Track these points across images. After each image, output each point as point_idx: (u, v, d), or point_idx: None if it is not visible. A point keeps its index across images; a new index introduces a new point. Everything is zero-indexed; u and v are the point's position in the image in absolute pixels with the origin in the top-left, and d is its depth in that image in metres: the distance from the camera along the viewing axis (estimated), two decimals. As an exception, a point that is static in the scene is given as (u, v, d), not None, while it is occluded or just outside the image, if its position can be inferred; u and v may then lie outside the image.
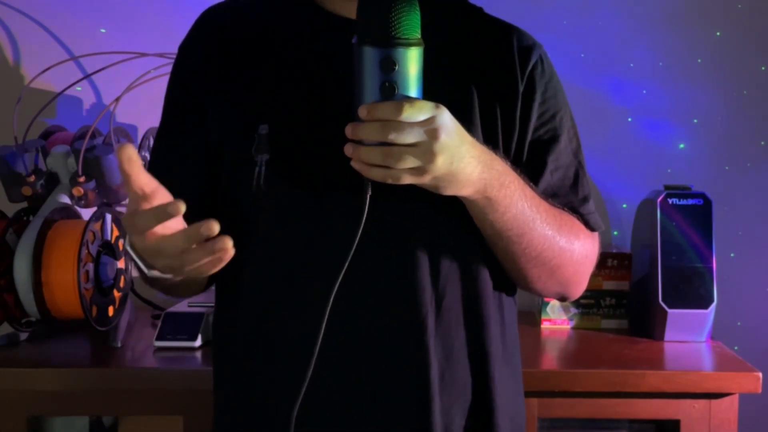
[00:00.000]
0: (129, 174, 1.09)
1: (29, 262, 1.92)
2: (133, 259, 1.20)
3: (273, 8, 1.37)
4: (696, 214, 2.12)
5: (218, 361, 1.40)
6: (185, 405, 1.83)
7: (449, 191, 1.20)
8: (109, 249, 2.04)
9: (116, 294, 2.06)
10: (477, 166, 1.20)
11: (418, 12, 1.16)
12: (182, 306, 2.05)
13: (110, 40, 2.31)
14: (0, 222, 1.99)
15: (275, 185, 1.28)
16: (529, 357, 1.81)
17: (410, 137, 1.13)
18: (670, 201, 2.12)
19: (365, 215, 1.19)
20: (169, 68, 1.47)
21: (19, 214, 2.01)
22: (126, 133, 2.14)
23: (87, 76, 2.24)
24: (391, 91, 1.14)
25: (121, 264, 2.06)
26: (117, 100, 2.05)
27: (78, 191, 2.01)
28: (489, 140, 1.29)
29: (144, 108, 2.12)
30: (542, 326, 2.20)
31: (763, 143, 2.41)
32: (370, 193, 1.18)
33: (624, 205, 2.40)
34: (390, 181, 1.16)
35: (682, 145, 2.41)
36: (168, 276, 1.20)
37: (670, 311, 2.07)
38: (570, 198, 1.39)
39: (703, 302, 2.09)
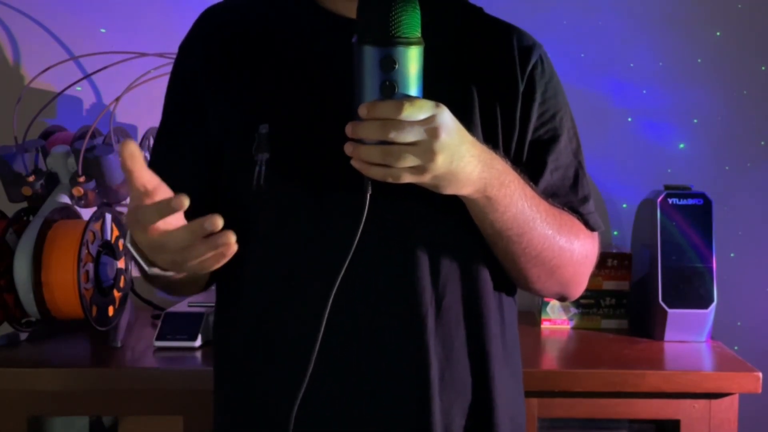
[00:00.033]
0: (131, 170, 1.09)
1: (29, 262, 1.92)
2: (133, 257, 1.20)
3: (273, 8, 1.37)
4: (696, 214, 2.12)
5: (218, 361, 1.40)
6: (185, 405, 1.83)
7: (449, 190, 1.20)
8: (109, 249, 2.04)
9: (116, 294, 2.06)
10: (477, 165, 1.20)
11: (419, 11, 1.16)
12: (182, 306, 2.04)
13: (110, 40, 2.31)
14: (0, 222, 1.99)
15: (275, 185, 1.28)
16: (529, 357, 1.80)
17: (410, 136, 1.13)
18: (670, 201, 2.12)
19: (365, 214, 1.18)
20: (169, 68, 1.47)
21: (19, 214, 2.01)
22: (126, 133, 2.14)
23: (87, 76, 2.24)
24: (391, 90, 1.14)
25: (121, 264, 2.06)
26: (117, 100, 2.05)
27: (78, 191, 2.00)
28: (489, 140, 1.29)
29: (144, 108, 2.12)
30: (542, 326, 2.20)
31: (763, 143, 2.41)
32: (370, 192, 1.18)
33: (624, 205, 2.40)
34: (390, 180, 1.16)
35: (682, 145, 2.41)
36: (169, 273, 1.20)
37: (670, 311, 2.07)
38: (570, 198, 1.39)
39: (703, 302, 2.09)
